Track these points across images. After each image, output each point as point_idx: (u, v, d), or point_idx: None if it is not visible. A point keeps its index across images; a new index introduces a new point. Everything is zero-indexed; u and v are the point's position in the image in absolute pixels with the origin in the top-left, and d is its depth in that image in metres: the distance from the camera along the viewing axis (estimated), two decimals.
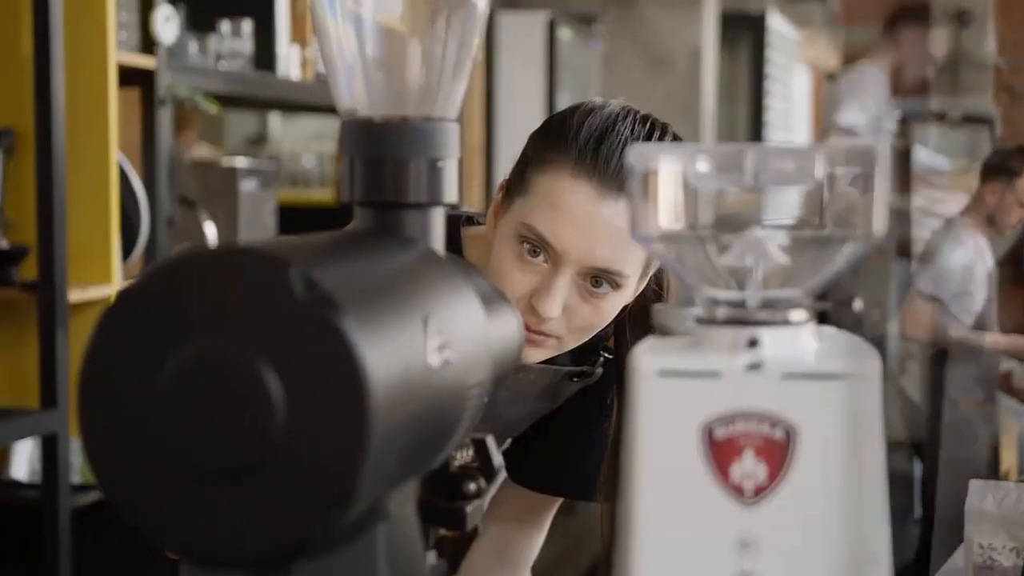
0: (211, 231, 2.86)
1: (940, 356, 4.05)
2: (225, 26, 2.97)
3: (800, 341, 0.70)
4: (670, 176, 0.71)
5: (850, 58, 9.70)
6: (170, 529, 0.63)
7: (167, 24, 2.59)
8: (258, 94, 3.10)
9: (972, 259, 3.95)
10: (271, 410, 0.60)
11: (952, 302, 4.03)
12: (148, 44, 2.63)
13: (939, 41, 4.52)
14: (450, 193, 0.83)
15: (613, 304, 1.28)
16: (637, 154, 0.71)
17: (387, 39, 0.82)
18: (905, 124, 4.49)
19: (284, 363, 0.60)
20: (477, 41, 0.85)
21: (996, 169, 4.13)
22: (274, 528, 0.61)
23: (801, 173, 0.70)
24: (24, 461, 2.53)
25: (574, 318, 1.28)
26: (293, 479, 0.60)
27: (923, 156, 4.71)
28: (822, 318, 0.71)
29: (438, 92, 0.83)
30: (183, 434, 0.61)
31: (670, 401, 0.68)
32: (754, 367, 0.68)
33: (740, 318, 0.70)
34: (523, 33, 4.93)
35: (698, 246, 0.72)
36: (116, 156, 2.48)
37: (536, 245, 1.25)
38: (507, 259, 1.27)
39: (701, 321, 0.71)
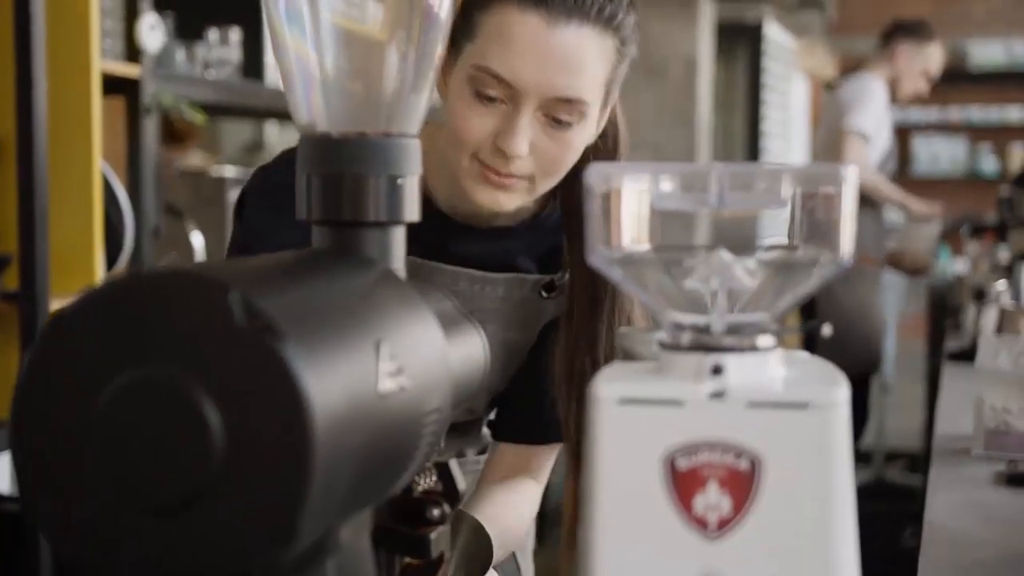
0: (198, 241, 2.84)
1: None
2: (213, 34, 2.95)
3: (767, 368, 0.68)
4: (632, 196, 0.69)
5: (847, 67, 9.70)
6: (106, 562, 0.60)
7: (152, 32, 2.57)
8: (246, 103, 3.07)
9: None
10: (209, 440, 0.57)
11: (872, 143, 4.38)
12: (133, 52, 2.60)
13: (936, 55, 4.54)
14: (411, 211, 0.80)
15: (578, 136, 1.26)
16: (597, 173, 0.68)
17: (346, 52, 0.80)
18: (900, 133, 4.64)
19: (223, 391, 0.58)
20: (439, 52, 0.83)
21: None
22: (214, 563, 0.59)
23: (767, 195, 0.67)
24: (5, 472, 2.50)
25: (541, 155, 1.25)
26: (233, 513, 0.58)
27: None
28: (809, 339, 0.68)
29: (398, 107, 0.80)
30: (119, 464, 0.59)
31: (631, 430, 0.66)
32: (718, 395, 0.65)
33: (705, 344, 0.68)
34: None
35: (661, 268, 0.69)
36: (100, 165, 2.45)
37: (491, 86, 1.23)
38: (463, 107, 1.25)
39: (665, 346, 0.69)
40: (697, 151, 5.51)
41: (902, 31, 4.52)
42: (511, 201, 1.28)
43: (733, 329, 0.68)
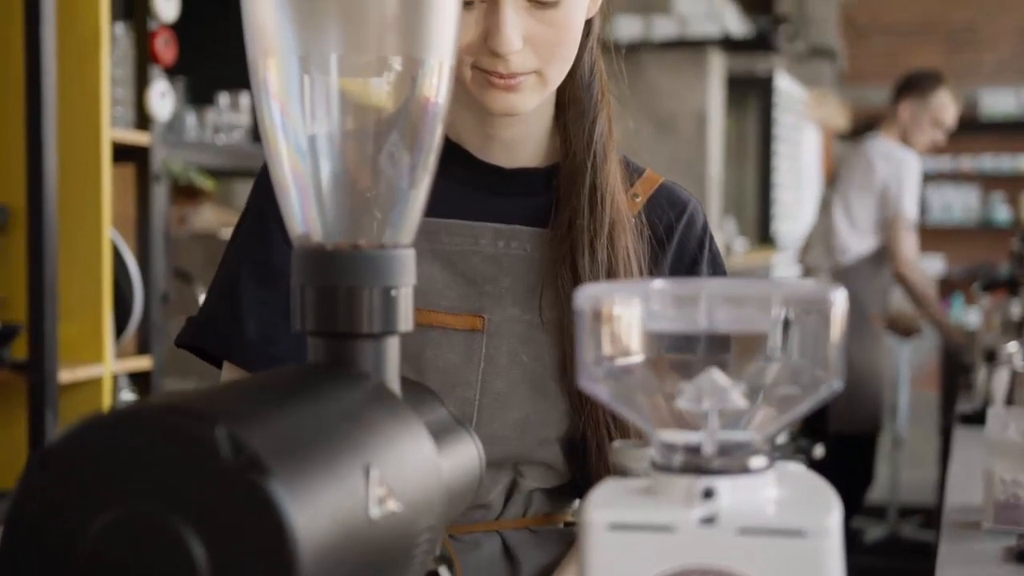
0: None
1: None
2: (224, 99, 2.97)
3: (759, 490, 0.67)
4: (622, 317, 0.68)
5: (859, 117, 9.72)
6: None
7: (162, 100, 2.59)
8: (256, 166, 3.08)
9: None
10: None
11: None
12: (144, 120, 2.62)
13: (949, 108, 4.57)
14: (405, 321, 0.80)
15: (571, 13, 1.18)
16: (586, 294, 0.68)
17: (340, 163, 0.80)
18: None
19: (210, 528, 0.58)
20: (432, 160, 0.83)
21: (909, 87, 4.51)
22: None
23: (756, 316, 0.67)
24: None
25: (538, 43, 1.17)
26: None
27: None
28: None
29: (392, 217, 0.80)
30: None
31: (622, 556, 0.65)
32: (708, 521, 0.65)
33: (695, 466, 0.67)
34: None
35: (652, 389, 0.69)
36: (109, 233, 2.46)
37: None
38: None
39: (656, 467, 0.69)
40: (708, 205, 5.51)
41: (904, 86, 4.56)
42: (525, 101, 1.20)
43: (724, 450, 0.68)
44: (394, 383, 0.79)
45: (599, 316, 0.68)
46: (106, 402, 2.48)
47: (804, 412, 0.69)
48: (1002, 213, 9.93)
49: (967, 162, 9.96)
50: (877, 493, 6.06)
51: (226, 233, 3.16)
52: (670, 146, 5.32)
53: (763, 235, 7.37)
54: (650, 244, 1.29)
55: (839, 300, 0.66)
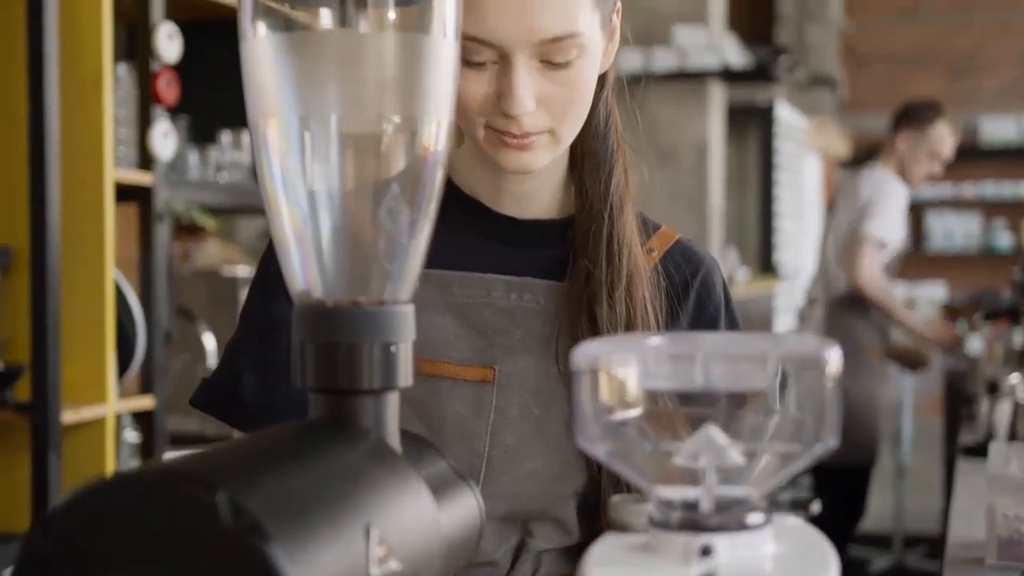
0: (210, 343, 2.85)
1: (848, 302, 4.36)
2: (226, 137, 2.99)
3: (757, 547, 0.67)
4: (618, 374, 0.69)
5: (860, 145, 9.75)
6: None
7: (165, 140, 2.61)
8: (257, 204, 3.10)
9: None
10: None
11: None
12: (146, 160, 2.64)
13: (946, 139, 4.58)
14: (405, 377, 0.81)
15: (584, 72, 1.16)
16: (583, 353, 0.69)
17: (341, 222, 0.81)
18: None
19: None
20: (432, 212, 0.84)
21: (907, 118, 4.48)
22: None
23: (752, 373, 0.68)
24: None
25: (551, 103, 1.16)
26: None
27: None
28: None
29: (392, 273, 0.81)
30: None
31: None
32: None
33: (693, 523, 0.68)
34: None
35: (649, 447, 0.69)
36: (112, 274, 2.47)
37: (475, 52, 1.13)
38: (458, 81, 1.19)
39: (654, 523, 0.69)
40: (709, 234, 5.53)
41: (902, 117, 4.57)
42: (538, 159, 1.19)
43: (722, 506, 0.68)
44: (394, 438, 0.80)
45: (596, 374, 0.69)
46: (109, 442, 2.49)
47: (801, 468, 0.69)
48: (1004, 239, 9.95)
49: (969, 189, 9.98)
50: (882, 522, 6.04)
51: (228, 269, 3.17)
52: (671, 177, 5.34)
53: (765, 264, 7.38)
54: (668, 297, 1.28)
55: (834, 358, 0.67)
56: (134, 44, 2.69)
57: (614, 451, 0.70)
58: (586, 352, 0.69)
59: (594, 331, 1.21)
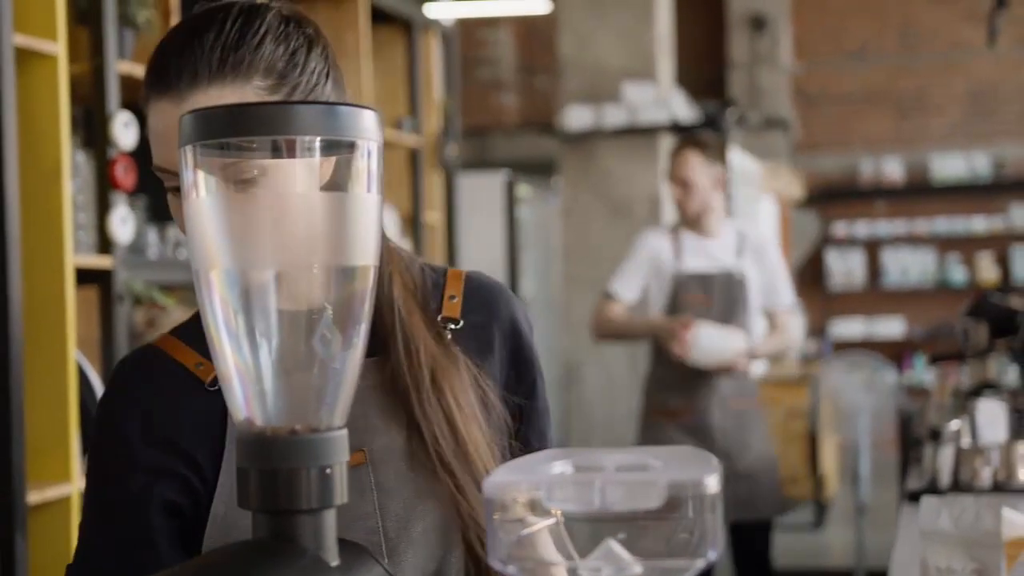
0: None
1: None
2: None
3: None
4: (526, 501, 0.78)
5: (815, 184, 9.91)
6: None
7: (123, 225, 2.68)
8: None
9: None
10: None
11: None
12: (105, 243, 2.71)
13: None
14: (341, 495, 0.89)
15: (284, 188, 1.14)
16: (494, 484, 0.77)
17: (278, 358, 0.89)
18: None
19: None
20: (361, 344, 0.92)
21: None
22: None
23: (643, 497, 0.77)
24: None
25: None
26: None
27: None
28: None
29: (326, 402, 0.90)
30: None
31: None
32: None
33: None
34: (484, 192, 5.06)
35: (555, 560, 0.78)
36: (74, 355, 2.54)
37: (169, 180, 1.20)
38: (173, 207, 1.22)
39: None
40: None
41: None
42: None
43: None
44: (331, 552, 0.88)
45: (505, 504, 0.77)
46: (74, 520, 2.55)
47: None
48: (958, 274, 10.13)
49: (922, 225, 10.17)
50: (844, 559, 6.13)
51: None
52: (625, 229, 5.45)
53: None
54: (478, 341, 1.33)
55: (711, 483, 0.76)
56: (92, 132, 2.77)
57: (523, 569, 0.79)
58: (494, 483, 0.78)
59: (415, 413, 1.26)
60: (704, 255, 4.06)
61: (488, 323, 1.35)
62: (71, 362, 2.52)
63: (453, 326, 1.32)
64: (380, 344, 1.30)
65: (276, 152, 0.89)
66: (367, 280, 0.90)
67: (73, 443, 2.53)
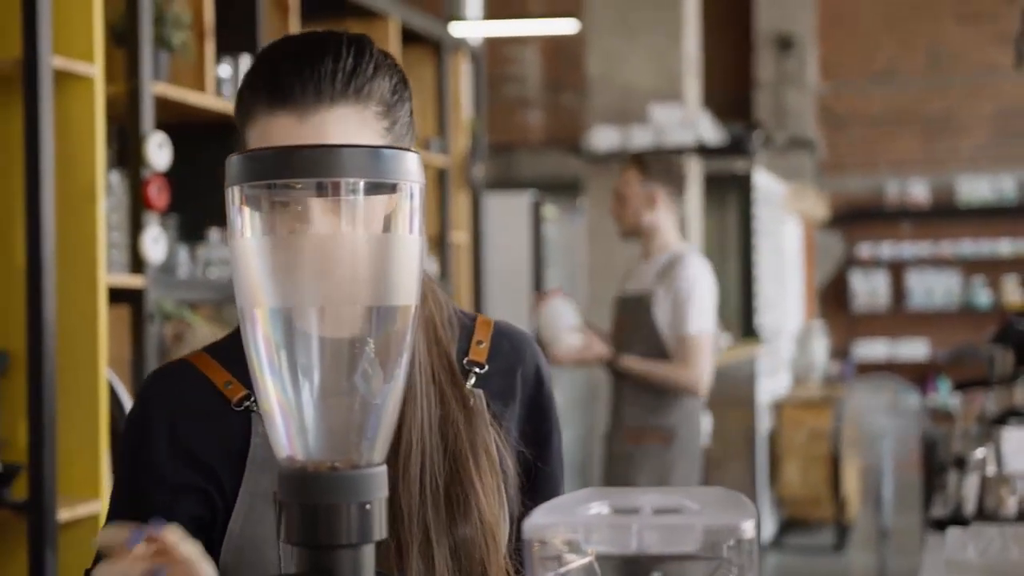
0: None
1: None
2: (214, 235, 3.10)
3: None
4: (564, 542, 0.79)
5: (840, 205, 9.90)
6: None
7: (155, 245, 2.71)
8: None
9: None
10: None
11: None
12: (137, 263, 2.74)
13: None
14: (380, 530, 0.91)
15: (374, 211, 1.18)
16: (532, 525, 0.79)
17: (320, 396, 0.91)
18: None
19: None
20: (400, 382, 0.93)
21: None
22: None
23: (680, 541, 0.78)
24: None
25: None
26: None
27: None
28: None
29: (366, 440, 0.91)
30: None
31: None
32: None
33: None
34: (510, 212, 5.08)
35: None
36: (105, 374, 2.57)
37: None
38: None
39: None
40: None
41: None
42: None
43: None
44: None
45: (545, 544, 0.79)
46: None
47: None
48: (983, 297, 10.08)
49: (947, 247, 10.13)
50: None
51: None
52: None
53: (747, 329, 7.49)
54: (501, 393, 1.34)
55: (748, 528, 0.77)
56: (126, 153, 2.80)
57: None
58: (534, 523, 0.79)
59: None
60: (636, 278, 4.07)
61: (512, 370, 1.37)
62: (103, 380, 2.55)
63: (478, 370, 1.33)
64: None
65: (321, 193, 0.91)
66: (407, 318, 0.92)
67: (103, 461, 2.56)
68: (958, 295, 10.15)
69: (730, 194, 7.43)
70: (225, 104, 3.11)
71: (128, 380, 2.73)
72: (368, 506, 0.89)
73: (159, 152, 2.73)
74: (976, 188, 10.04)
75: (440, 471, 1.26)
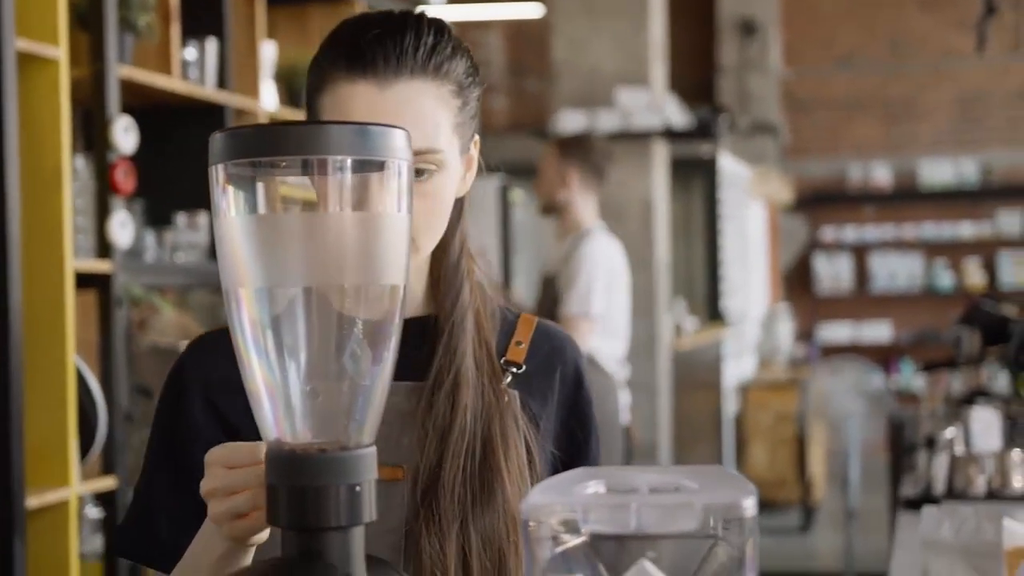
0: None
1: None
2: (181, 219, 3.06)
3: None
4: (562, 521, 0.78)
5: (803, 189, 9.94)
6: None
7: (122, 229, 2.68)
8: (214, 282, 3.17)
9: None
10: None
11: None
12: (104, 248, 2.70)
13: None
14: (369, 512, 0.89)
15: (442, 186, 1.24)
16: (529, 504, 0.78)
17: (307, 377, 0.89)
18: None
19: None
20: (390, 362, 0.92)
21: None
22: None
23: (679, 520, 0.77)
24: None
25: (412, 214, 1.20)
26: None
27: None
28: None
29: (355, 421, 0.90)
30: None
31: None
32: None
33: None
34: (477, 196, 5.06)
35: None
36: (73, 360, 2.54)
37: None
38: None
39: None
40: (656, 288, 5.65)
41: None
42: None
43: None
44: (359, 568, 0.88)
45: (540, 524, 0.77)
46: (72, 524, 2.54)
47: None
48: (945, 279, 10.16)
49: (910, 231, 10.19)
50: (831, 563, 6.15)
51: (183, 346, 3.23)
52: (618, 233, 5.43)
53: (712, 312, 7.52)
54: (538, 394, 1.34)
55: (748, 505, 0.76)
56: (92, 137, 2.77)
57: None
58: (531, 503, 0.78)
59: (423, 429, 1.26)
60: (553, 258, 4.18)
61: (551, 371, 1.36)
62: (71, 366, 2.52)
63: (515, 370, 1.32)
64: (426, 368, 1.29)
65: (307, 171, 0.89)
66: (396, 298, 0.90)
67: (72, 447, 2.53)
68: (921, 278, 10.23)
69: (695, 178, 7.45)
70: (191, 87, 3.08)
71: (96, 365, 2.69)
72: (358, 488, 0.88)
73: (125, 136, 2.70)
74: (938, 172, 10.11)
75: (476, 454, 1.25)
